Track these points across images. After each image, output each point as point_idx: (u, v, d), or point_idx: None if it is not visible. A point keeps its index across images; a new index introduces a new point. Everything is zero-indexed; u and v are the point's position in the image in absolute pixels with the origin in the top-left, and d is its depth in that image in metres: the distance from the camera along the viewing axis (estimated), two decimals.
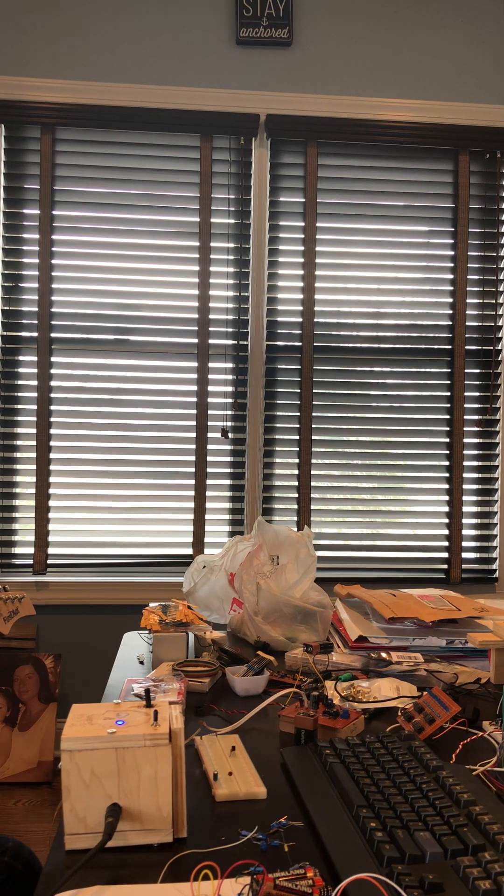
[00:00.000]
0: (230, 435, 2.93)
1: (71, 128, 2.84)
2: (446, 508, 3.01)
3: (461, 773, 0.89)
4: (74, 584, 2.81)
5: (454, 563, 2.98)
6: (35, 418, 2.86)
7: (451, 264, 3.00)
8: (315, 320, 2.95)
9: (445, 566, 3.00)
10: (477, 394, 3.02)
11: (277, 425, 2.95)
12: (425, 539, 3.01)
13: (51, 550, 2.87)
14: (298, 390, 2.94)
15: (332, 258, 2.97)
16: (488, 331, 3.02)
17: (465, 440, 3.01)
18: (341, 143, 2.94)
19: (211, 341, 2.92)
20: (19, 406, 2.87)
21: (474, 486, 3.03)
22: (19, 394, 2.87)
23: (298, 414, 2.94)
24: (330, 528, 2.98)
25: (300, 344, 2.94)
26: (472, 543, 3.03)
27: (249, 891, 0.64)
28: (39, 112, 2.79)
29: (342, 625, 1.48)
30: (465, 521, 3.02)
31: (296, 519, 2.95)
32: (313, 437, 2.95)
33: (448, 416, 3.00)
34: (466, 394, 3.01)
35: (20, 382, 2.87)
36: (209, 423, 2.92)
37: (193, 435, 2.92)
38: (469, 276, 3.00)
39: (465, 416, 3.00)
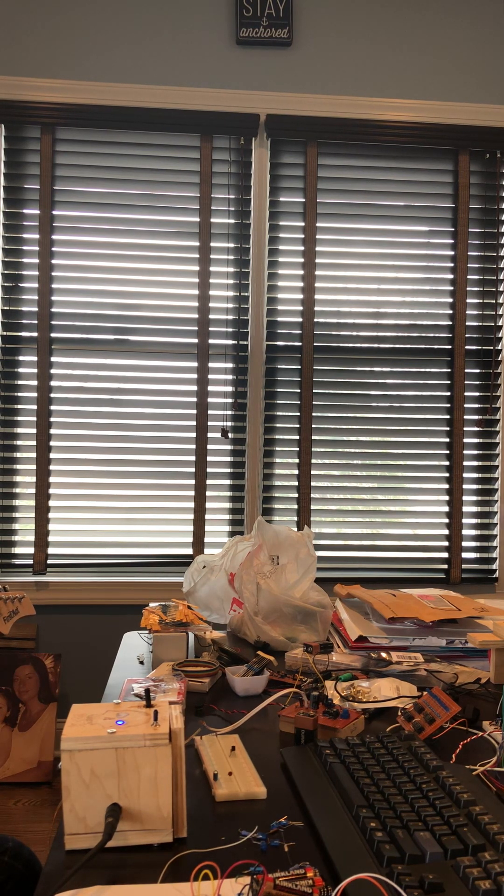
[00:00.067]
0: (230, 435, 2.93)
1: (71, 128, 2.84)
2: (446, 508, 3.01)
3: (461, 773, 0.89)
4: (74, 584, 2.82)
5: (454, 563, 2.98)
6: (35, 418, 2.86)
7: (451, 264, 3.00)
8: (315, 320, 2.95)
9: (445, 566, 3.00)
10: (477, 394, 3.02)
11: (277, 425, 2.95)
12: (425, 539, 3.01)
13: (51, 550, 2.87)
14: (298, 390, 2.94)
15: (332, 258, 2.97)
16: (488, 331, 3.02)
17: (465, 440, 3.01)
18: (341, 143, 2.94)
19: (211, 341, 2.92)
20: (19, 406, 2.87)
21: (474, 486, 3.03)
22: (19, 394, 2.87)
23: (298, 414, 2.94)
24: (330, 528, 2.98)
25: (300, 344, 2.94)
26: (472, 543, 3.03)
27: (249, 891, 0.64)
28: (39, 112, 2.79)
29: (342, 625, 1.48)
30: (465, 521, 3.02)
31: (296, 519, 2.95)
32: (313, 437, 2.95)
33: (448, 416, 3.00)
34: (466, 394, 3.01)
35: (20, 382, 2.87)
36: (209, 423, 2.92)
37: (193, 435, 2.92)
38: (469, 276, 3.00)
39: (465, 416, 3.00)
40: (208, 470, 2.92)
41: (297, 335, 2.95)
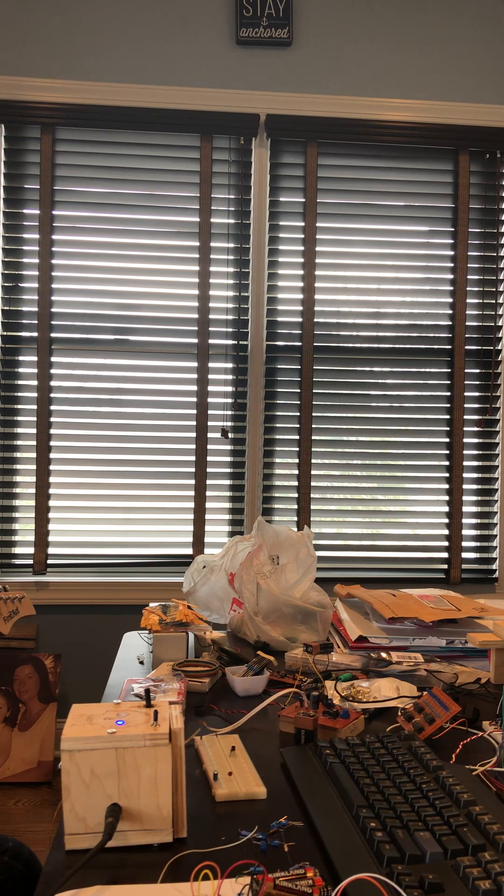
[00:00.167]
0: (230, 435, 2.93)
1: (71, 128, 2.84)
2: (446, 508, 3.01)
3: (461, 773, 0.89)
4: (74, 584, 2.82)
5: (454, 563, 2.98)
6: (35, 418, 2.86)
7: (451, 264, 3.00)
8: (315, 320, 2.95)
9: (445, 566, 3.00)
10: (477, 394, 3.02)
11: (277, 425, 2.95)
12: (425, 539, 3.01)
13: (51, 550, 2.87)
14: (298, 390, 2.94)
15: (332, 258, 2.97)
16: (488, 331, 3.02)
17: (465, 440, 3.01)
18: (341, 143, 2.94)
19: (211, 341, 2.92)
20: (19, 406, 2.87)
21: (474, 486, 3.03)
22: (19, 394, 2.87)
23: (298, 414, 2.94)
24: (330, 528, 2.98)
25: (300, 344, 2.94)
26: (472, 543, 3.03)
27: (249, 891, 0.64)
28: (39, 112, 2.79)
29: (342, 625, 1.48)
30: (465, 521, 3.02)
31: (296, 519, 2.95)
32: (313, 437, 2.95)
33: (448, 416, 3.00)
34: (466, 394, 3.01)
35: (20, 382, 2.87)
36: (209, 423, 2.92)
37: (193, 435, 2.92)
38: (469, 276, 3.00)
39: (465, 416, 3.00)
40: (208, 470, 2.92)
41: (297, 335, 2.95)
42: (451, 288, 3.00)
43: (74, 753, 0.73)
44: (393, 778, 0.84)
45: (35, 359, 2.86)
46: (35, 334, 2.86)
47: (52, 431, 2.88)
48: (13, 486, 2.88)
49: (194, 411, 2.92)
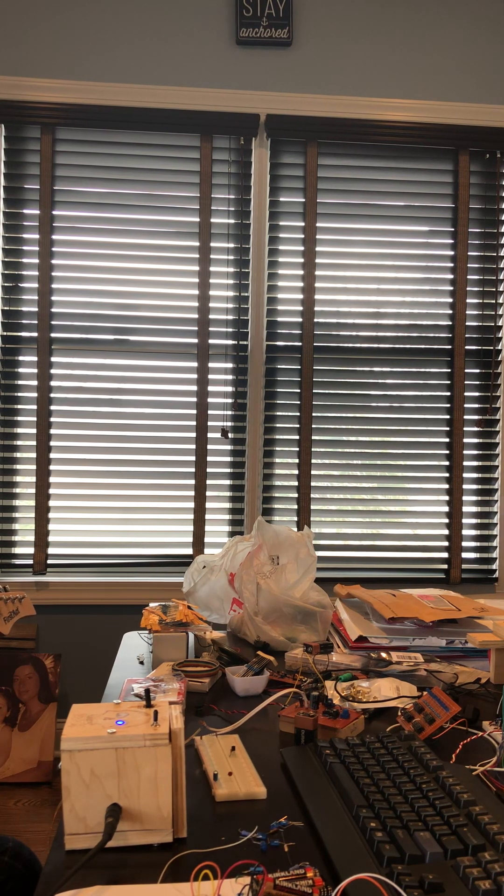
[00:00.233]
0: (230, 435, 2.93)
1: (71, 128, 2.84)
2: (446, 508, 3.01)
3: (461, 773, 0.89)
4: (74, 584, 2.81)
5: (454, 563, 2.98)
6: (35, 418, 2.86)
7: (451, 264, 3.00)
8: (315, 320, 2.95)
9: (445, 566, 3.00)
10: (477, 394, 3.02)
11: (277, 425, 2.95)
12: (425, 539, 3.01)
13: (51, 550, 2.87)
14: (298, 390, 2.94)
15: (332, 258, 2.97)
16: (488, 331, 3.02)
17: (465, 440, 3.01)
18: (341, 143, 2.93)
19: (211, 341, 2.92)
20: (19, 406, 2.87)
21: (474, 486, 3.03)
22: (19, 394, 2.87)
23: (298, 414, 2.94)
24: (330, 528, 2.98)
25: (300, 344, 2.94)
26: (472, 543, 3.03)
27: (249, 891, 0.64)
28: (39, 112, 2.79)
29: (342, 625, 1.48)
30: (465, 521, 3.02)
31: (296, 519, 2.95)
32: (313, 437, 2.95)
33: (448, 416, 3.00)
34: (466, 394, 3.01)
35: (20, 382, 2.87)
36: (209, 423, 2.92)
37: (193, 435, 2.92)
38: (469, 276, 3.00)
39: (465, 416, 3.00)
40: (208, 470, 2.92)
41: (297, 335, 2.95)
42: (451, 288, 3.00)
43: (74, 753, 0.73)
44: (393, 778, 0.84)
45: (35, 359, 2.86)
46: (35, 334, 2.86)
47: (52, 431, 2.88)
48: (13, 486, 2.88)
49: (194, 411, 2.92)
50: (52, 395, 2.87)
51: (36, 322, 2.85)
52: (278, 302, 2.94)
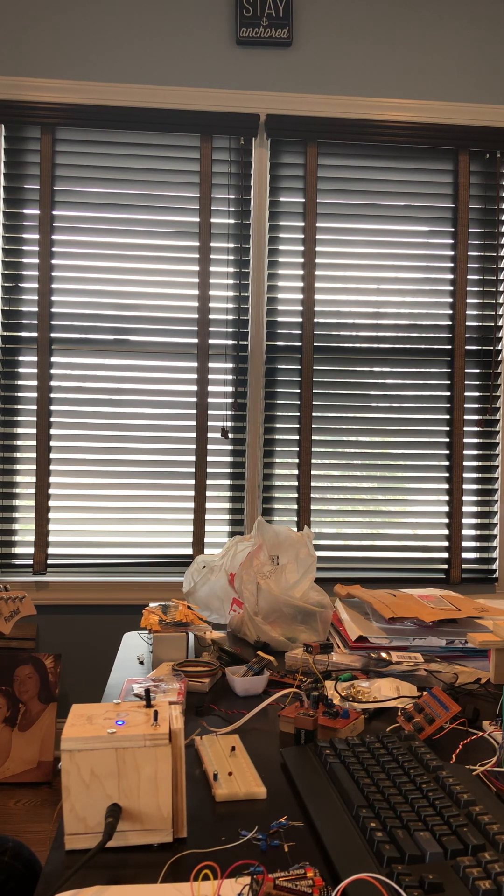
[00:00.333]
0: (230, 435, 2.93)
1: (71, 128, 2.84)
2: (446, 508, 3.01)
3: (461, 773, 0.89)
4: (74, 584, 2.81)
5: (454, 563, 2.98)
6: (35, 418, 2.86)
7: (451, 264, 3.00)
8: (315, 320, 2.95)
9: (445, 566, 3.00)
10: (477, 394, 3.02)
11: (277, 425, 2.95)
12: (425, 539, 3.01)
13: (51, 550, 2.87)
14: (298, 390, 2.94)
15: (332, 258, 2.97)
16: (488, 331, 3.02)
17: (465, 440, 3.01)
18: (341, 143, 2.93)
19: (211, 341, 2.92)
20: (19, 406, 2.87)
21: (474, 486, 3.03)
22: (19, 394, 2.87)
23: (298, 414, 2.94)
24: (330, 528, 2.98)
25: (300, 344, 2.94)
26: (472, 543, 3.03)
27: (249, 891, 0.64)
28: (39, 112, 2.79)
29: (342, 625, 1.48)
30: (465, 521, 3.02)
31: (296, 519, 2.95)
32: (313, 437, 2.95)
33: (448, 416, 3.00)
34: (466, 394, 3.01)
35: (20, 382, 2.87)
36: (209, 423, 2.92)
37: (193, 435, 2.92)
38: (469, 276, 3.00)
39: (465, 416, 3.00)
40: (208, 470, 2.92)
41: (297, 335, 2.95)
42: (451, 288, 3.00)
43: (74, 753, 0.73)
44: (393, 778, 0.84)
45: (35, 359, 2.86)
46: (35, 334, 2.86)
47: (52, 431, 2.88)
48: (13, 486, 2.88)
49: (194, 411, 2.92)
50: (52, 395, 2.87)
51: (36, 322, 2.85)
52: (278, 302, 2.94)
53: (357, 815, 0.77)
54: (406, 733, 0.97)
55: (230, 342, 2.93)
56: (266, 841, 0.77)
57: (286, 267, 2.95)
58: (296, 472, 2.95)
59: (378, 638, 1.39)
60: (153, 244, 2.90)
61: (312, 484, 2.95)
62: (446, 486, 3.01)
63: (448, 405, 3.00)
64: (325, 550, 2.95)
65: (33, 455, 2.87)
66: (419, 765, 0.87)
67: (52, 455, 2.87)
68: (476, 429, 3.02)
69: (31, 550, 2.87)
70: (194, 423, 2.92)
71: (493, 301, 3.02)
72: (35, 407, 2.86)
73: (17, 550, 2.89)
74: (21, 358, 2.87)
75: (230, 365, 2.94)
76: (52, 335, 2.87)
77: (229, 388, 2.94)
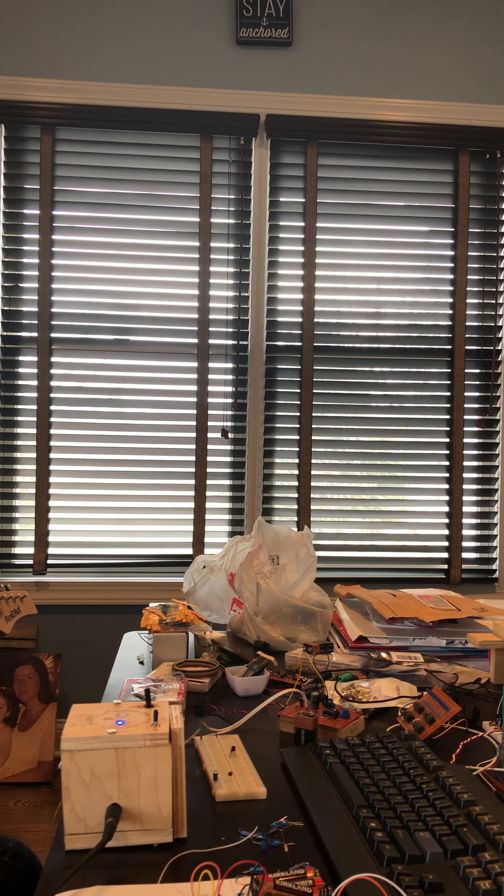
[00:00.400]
0: (230, 435, 2.93)
1: (71, 128, 2.84)
2: (446, 508, 3.01)
3: (461, 773, 0.89)
4: (74, 584, 2.81)
5: (454, 563, 2.98)
6: (35, 418, 2.86)
7: (451, 264, 3.00)
8: (315, 320, 2.95)
9: (445, 566, 3.00)
10: (477, 394, 3.02)
11: (277, 425, 2.95)
12: (425, 539, 3.01)
13: (51, 550, 2.87)
14: (298, 390, 2.94)
15: (332, 258, 2.97)
16: (488, 331, 3.02)
17: (465, 440, 3.01)
18: (341, 143, 2.93)
19: (211, 341, 2.92)
20: (19, 406, 2.87)
21: (474, 486, 3.03)
22: (19, 394, 2.87)
23: (298, 414, 2.94)
24: (330, 528, 2.98)
25: (300, 344, 2.94)
26: (472, 543, 3.03)
27: (249, 891, 0.64)
28: (39, 112, 2.79)
29: (342, 625, 1.48)
30: (465, 521, 3.02)
31: (296, 519, 2.95)
32: (313, 437, 2.95)
33: (448, 416, 3.00)
34: (466, 394, 3.01)
35: (20, 382, 2.87)
36: (209, 423, 2.92)
37: (193, 435, 2.92)
38: (469, 276, 3.00)
39: (465, 417, 3.00)
40: (208, 470, 2.92)
41: (297, 335, 2.95)
42: (451, 288, 3.00)
43: (74, 753, 0.73)
44: (393, 778, 0.84)
45: (35, 359, 2.86)
46: (35, 334, 2.86)
47: (52, 431, 2.88)
48: (13, 486, 2.88)
49: (194, 411, 2.92)
50: (52, 395, 2.87)
51: (36, 322, 2.85)
52: (278, 302, 2.94)
53: (357, 815, 0.77)
54: (406, 733, 0.97)
55: (230, 342, 2.93)
56: (266, 841, 0.77)
57: (286, 267, 2.95)
58: (296, 472, 2.95)
59: (378, 638, 1.39)
60: (153, 244, 2.90)
61: (312, 484, 2.95)
62: (446, 486, 3.01)
63: (448, 405, 3.00)
64: (325, 550, 2.95)
65: (33, 455, 2.87)
66: (419, 765, 0.87)
67: (52, 455, 2.87)
68: (476, 429, 3.02)
69: (31, 550, 2.87)
70: (194, 423, 2.92)
71: (493, 301, 3.02)
72: (35, 407, 2.86)
73: (17, 550, 2.89)
74: (21, 358, 2.87)
75: (230, 365, 2.94)
76: (52, 335, 2.87)
77: (229, 388, 2.94)
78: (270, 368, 2.94)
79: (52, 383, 2.88)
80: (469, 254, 3.00)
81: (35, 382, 2.86)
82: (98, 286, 2.88)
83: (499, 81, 2.99)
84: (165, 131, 2.86)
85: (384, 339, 2.98)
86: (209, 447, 2.92)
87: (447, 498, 3.01)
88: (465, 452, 3.01)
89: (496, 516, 3.03)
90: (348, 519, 2.99)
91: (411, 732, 0.99)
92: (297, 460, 2.94)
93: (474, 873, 0.66)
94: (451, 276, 3.00)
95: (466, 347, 3.00)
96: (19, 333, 2.86)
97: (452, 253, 3.00)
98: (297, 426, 2.94)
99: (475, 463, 3.02)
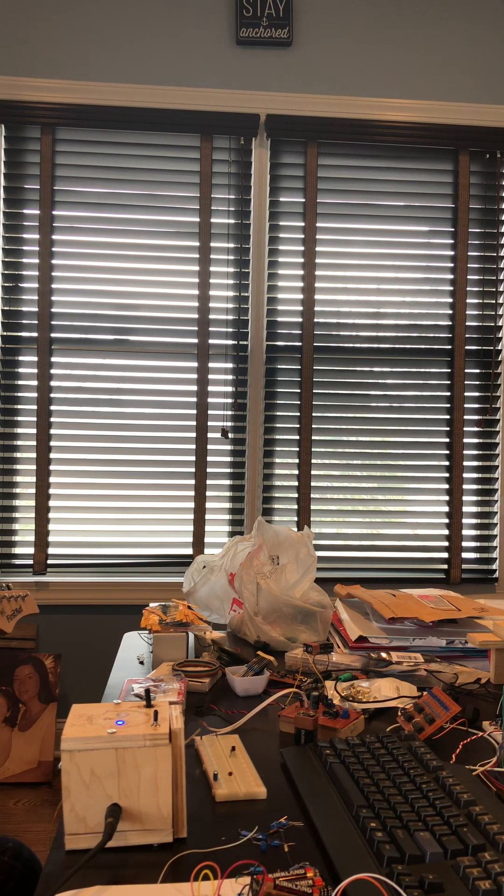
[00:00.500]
0: (230, 435, 2.93)
1: (71, 128, 2.84)
2: (446, 508, 3.01)
3: (461, 773, 0.89)
4: (74, 584, 2.81)
5: (454, 563, 2.98)
6: (35, 418, 2.86)
7: (451, 264, 3.00)
8: (315, 320, 2.95)
9: (445, 566, 3.00)
10: (477, 394, 3.02)
11: (277, 425, 2.95)
12: (425, 539, 3.01)
13: (51, 550, 2.87)
14: (298, 390, 2.94)
15: (332, 258, 2.97)
16: (488, 331, 3.02)
17: (465, 440, 3.01)
18: (341, 143, 2.93)
19: (211, 341, 2.92)
20: (19, 406, 2.87)
21: (474, 486, 3.03)
22: (19, 394, 2.87)
23: (298, 414, 2.94)
24: (330, 528, 2.98)
25: (300, 344, 2.94)
26: (472, 543, 3.03)
27: (249, 891, 0.64)
28: (39, 112, 2.79)
29: (342, 625, 1.48)
30: (465, 521, 3.02)
31: (296, 519, 2.95)
32: (313, 437, 2.95)
33: (448, 416, 3.00)
34: (466, 394, 3.01)
35: (20, 382, 2.87)
36: (209, 423, 2.92)
37: (193, 435, 2.92)
38: (469, 276, 3.00)
39: (465, 416, 3.00)
40: (208, 470, 2.92)
41: (297, 335, 2.95)
42: (451, 288, 3.00)
43: (74, 753, 0.73)
44: (393, 778, 0.84)
45: (35, 359, 2.86)
46: (35, 334, 2.86)
47: (52, 431, 2.88)
48: (13, 486, 2.88)
49: (194, 411, 2.92)
50: (52, 395, 2.87)
51: (36, 322, 2.85)
52: (278, 302, 2.94)
53: (357, 815, 0.77)
54: (406, 733, 0.97)
55: (230, 342, 2.93)
56: (266, 841, 0.77)
57: (286, 267, 2.95)
58: (296, 472, 2.95)
59: (378, 638, 1.39)
60: (153, 244, 2.90)
61: (312, 484, 2.95)
62: (446, 486, 3.01)
63: (448, 405, 3.00)
64: (325, 550, 2.95)
65: (33, 455, 2.87)
66: (419, 765, 0.87)
67: (52, 455, 2.87)
68: (476, 429, 3.02)
69: (31, 550, 2.87)
70: (194, 423, 2.92)
71: (493, 301, 3.02)
72: (35, 407, 2.86)
73: (17, 550, 2.89)
74: (21, 358, 2.87)
75: (230, 365, 2.94)
76: (52, 335, 2.87)
77: (229, 388, 2.94)
78: (270, 368, 2.94)
79: (52, 383, 2.88)
80: (469, 254, 3.00)
81: (35, 382, 2.86)
82: (98, 286, 2.88)
83: (499, 81, 2.99)
84: (165, 131, 2.86)
85: (384, 339, 2.98)
86: (209, 447, 2.92)
87: (447, 498, 3.01)
88: (465, 452, 3.01)
89: (496, 516, 3.03)
90: (348, 519, 2.99)
91: (411, 732, 0.99)
92: (297, 460, 2.94)
93: (474, 873, 0.66)
94: (451, 276, 3.00)
95: (466, 347, 3.00)
96: (19, 333, 2.86)
97: (452, 253, 3.00)
98: (297, 426, 2.94)
99: (475, 463, 3.02)
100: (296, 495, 2.95)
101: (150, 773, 0.74)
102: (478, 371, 3.02)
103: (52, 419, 2.87)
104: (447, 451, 3.00)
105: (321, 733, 1.02)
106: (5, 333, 2.85)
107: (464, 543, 3.01)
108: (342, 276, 2.97)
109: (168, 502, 2.92)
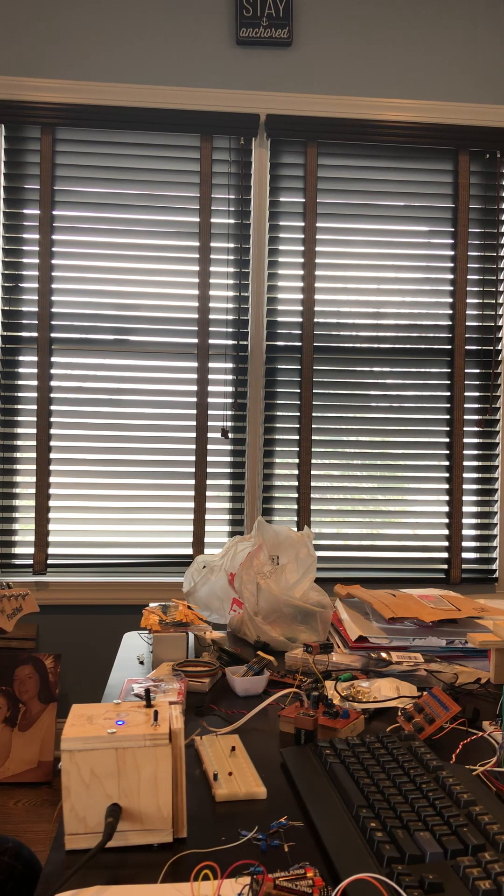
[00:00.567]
0: (230, 435, 2.93)
1: (71, 128, 2.84)
2: (446, 508, 3.01)
3: (461, 773, 0.89)
4: (74, 584, 2.82)
5: (454, 563, 2.98)
6: (35, 418, 2.86)
7: (451, 264, 3.00)
8: (315, 320, 2.95)
9: (445, 566, 3.00)
10: (477, 394, 3.02)
11: (277, 425, 2.95)
12: (425, 539, 3.01)
13: (51, 550, 2.87)
14: (298, 390, 2.94)
15: (332, 258, 2.97)
16: (488, 331, 3.02)
17: (465, 440, 3.01)
18: (341, 143, 2.93)
19: (211, 341, 2.92)
20: (19, 406, 2.87)
21: (474, 486, 3.03)
22: (19, 394, 2.87)
23: (298, 414, 2.94)
24: (330, 528, 2.98)
25: (300, 344, 2.94)
26: (472, 543, 3.03)
27: (249, 891, 0.64)
28: (39, 112, 2.79)
29: (342, 625, 1.48)
30: (465, 521, 3.02)
31: (296, 519, 2.95)
32: (313, 437, 2.95)
33: (448, 416, 3.00)
34: (466, 394, 3.01)
35: (20, 382, 2.87)
36: (209, 423, 2.92)
37: (193, 435, 2.92)
38: (469, 276, 3.00)
39: (465, 416, 3.00)
40: (208, 470, 2.92)
41: (297, 335, 2.95)
42: (451, 288, 3.00)
43: (74, 753, 0.73)
44: (393, 778, 0.84)
45: (35, 359, 2.86)
46: (35, 334, 2.86)
47: (52, 431, 2.88)
48: (13, 486, 2.88)
49: (194, 411, 2.92)
50: (52, 395, 2.87)
51: (36, 322, 2.85)
52: (278, 302, 2.94)
53: (357, 815, 0.77)
54: (406, 733, 0.97)
55: (230, 342, 2.93)
56: (266, 841, 0.77)
57: (286, 267, 2.95)
58: (296, 472, 2.95)
59: (378, 638, 1.39)
60: (153, 244, 2.90)
61: (312, 484, 2.95)
62: (446, 486, 3.01)
63: (448, 405, 3.00)
64: (325, 550, 2.95)
65: (33, 455, 2.87)
66: (419, 765, 0.87)
67: (52, 455, 2.87)
68: (476, 429, 3.02)
69: (31, 550, 2.87)
70: (194, 423, 2.92)
71: (493, 301, 3.02)
72: (35, 407, 2.86)
73: (17, 550, 2.89)
74: (21, 358, 2.87)
75: (230, 365, 2.94)
76: (52, 335, 2.87)
77: (229, 388, 2.94)
78: (270, 368, 2.94)
79: (52, 383, 2.88)
80: (469, 254, 3.00)
81: (35, 382, 2.86)
82: (98, 286, 2.88)
83: (499, 81, 2.99)
84: (165, 131, 2.86)
85: (384, 339, 2.98)
86: (209, 447, 2.92)
87: (447, 498, 3.01)
88: (465, 452, 3.01)
89: (496, 516, 3.03)
90: (348, 519, 2.99)
91: (411, 732, 0.99)
92: (297, 460, 2.94)
93: (474, 873, 0.66)
94: (451, 276, 3.00)
95: (466, 347, 3.00)
96: (19, 333, 2.86)
97: (452, 253, 3.00)
98: (297, 426, 2.94)
99: (475, 463, 3.02)
100: (296, 495, 2.95)
101: (150, 773, 0.74)
102: (478, 371, 3.02)
103: (52, 419, 2.87)
104: (447, 451, 3.00)
105: (321, 733, 1.02)
106: (5, 333, 2.85)
107: (464, 543, 3.01)
108: (342, 276, 2.97)
109: (168, 502, 2.92)
